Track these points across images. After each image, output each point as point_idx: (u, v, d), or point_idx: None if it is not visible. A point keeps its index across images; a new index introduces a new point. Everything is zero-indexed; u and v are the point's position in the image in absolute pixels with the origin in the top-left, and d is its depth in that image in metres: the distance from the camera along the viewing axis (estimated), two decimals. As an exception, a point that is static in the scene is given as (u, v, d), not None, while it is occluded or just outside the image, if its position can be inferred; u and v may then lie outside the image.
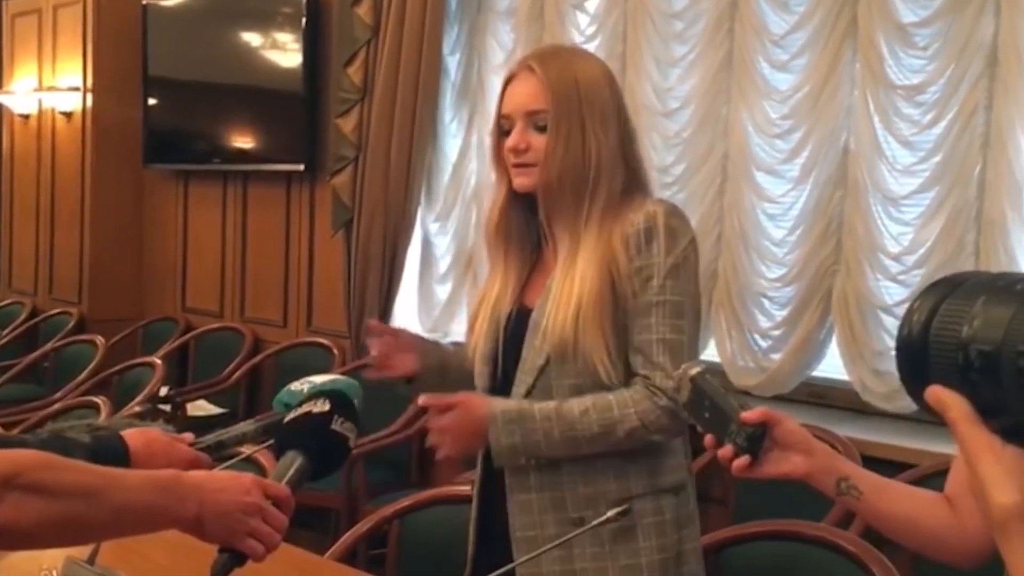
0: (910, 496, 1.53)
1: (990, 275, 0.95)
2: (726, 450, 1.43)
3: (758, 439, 1.42)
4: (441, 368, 2.13)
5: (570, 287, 1.91)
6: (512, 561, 1.89)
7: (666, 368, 1.88)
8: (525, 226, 2.05)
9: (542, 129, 1.93)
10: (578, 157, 1.92)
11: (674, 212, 1.95)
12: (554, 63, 1.96)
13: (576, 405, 1.90)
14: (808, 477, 1.44)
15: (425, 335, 4.89)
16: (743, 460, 1.41)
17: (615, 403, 1.89)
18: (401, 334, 2.13)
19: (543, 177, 1.93)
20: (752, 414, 1.42)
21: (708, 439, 1.47)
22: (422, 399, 1.93)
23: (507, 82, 2.01)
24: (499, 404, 1.92)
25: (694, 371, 1.51)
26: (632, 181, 1.98)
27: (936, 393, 0.95)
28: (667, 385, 1.85)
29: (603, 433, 1.89)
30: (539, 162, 1.93)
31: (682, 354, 1.90)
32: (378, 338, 2.08)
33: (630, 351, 1.92)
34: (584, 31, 4.19)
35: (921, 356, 0.95)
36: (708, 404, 1.47)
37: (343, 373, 4.64)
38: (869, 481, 1.48)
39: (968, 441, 0.93)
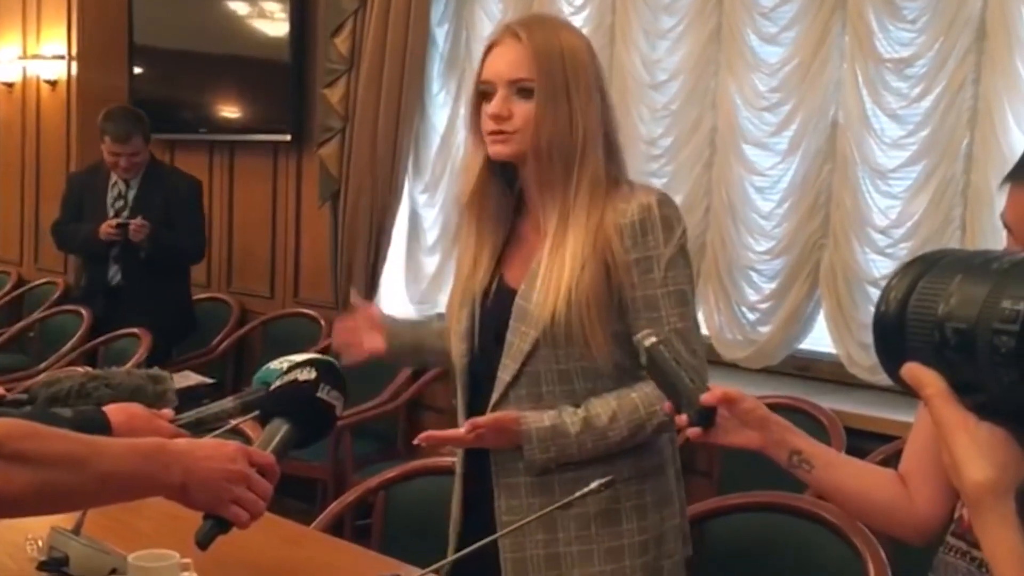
0: (862, 472, 1.62)
1: (967, 253, 0.96)
2: (682, 418, 1.55)
3: (706, 416, 1.53)
4: (416, 347, 2.17)
5: (559, 271, 1.89)
6: (495, 541, 1.88)
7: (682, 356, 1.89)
8: (500, 197, 2.01)
9: (525, 97, 1.89)
10: (565, 126, 1.89)
11: (667, 201, 1.94)
12: (539, 31, 1.93)
13: (603, 411, 1.89)
14: (762, 449, 1.56)
15: (413, 307, 4.93)
16: (696, 430, 1.54)
17: (640, 403, 1.89)
18: (364, 314, 2.14)
19: (532, 145, 1.89)
20: (710, 397, 1.53)
21: (667, 405, 1.59)
22: (466, 426, 1.91)
23: (489, 48, 1.96)
24: (532, 421, 1.89)
25: (648, 342, 1.60)
26: (612, 161, 1.96)
27: (912, 370, 0.95)
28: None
29: (632, 435, 1.90)
30: (520, 130, 1.89)
31: (692, 340, 1.92)
32: (345, 321, 2.09)
33: (636, 344, 1.90)
34: (573, 1, 4.17)
35: (898, 334, 0.95)
36: (662, 374, 1.58)
37: (329, 344, 4.65)
38: (822, 456, 1.57)
39: (943, 418, 0.94)
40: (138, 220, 4.72)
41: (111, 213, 4.90)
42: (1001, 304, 0.86)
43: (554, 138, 1.89)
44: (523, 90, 1.90)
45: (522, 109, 1.90)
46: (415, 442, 1.92)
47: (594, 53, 1.98)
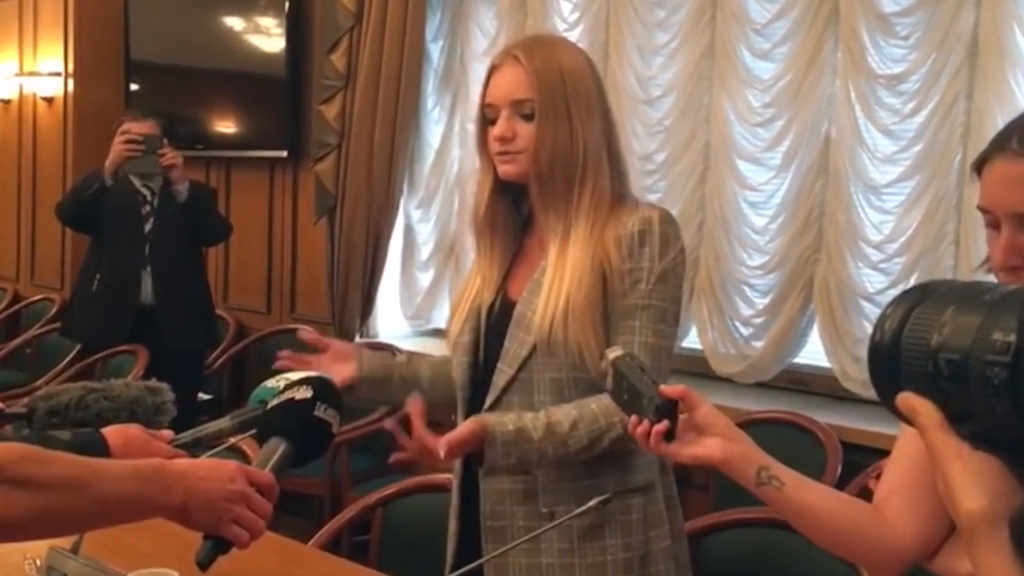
0: (831, 494, 1.50)
1: (961, 284, 0.97)
2: (644, 427, 1.44)
3: (666, 411, 1.42)
4: (384, 379, 2.11)
5: (559, 281, 1.91)
6: (479, 545, 1.91)
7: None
8: (510, 216, 2.05)
9: (528, 118, 1.93)
10: (566, 145, 1.92)
11: (669, 219, 1.96)
12: (539, 52, 1.96)
13: (564, 419, 1.88)
14: (725, 463, 1.43)
15: (408, 322, 4.94)
16: (660, 427, 1.42)
17: (600, 413, 1.88)
18: (335, 345, 2.11)
19: (535, 166, 1.93)
20: (670, 389, 1.43)
21: (632, 421, 1.47)
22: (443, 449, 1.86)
23: (491, 71, 2.00)
24: (497, 425, 1.86)
25: (614, 355, 1.55)
26: (616, 176, 1.98)
27: (907, 400, 0.96)
28: None
29: (591, 444, 1.89)
30: (525, 150, 1.93)
31: (662, 358, 1.91)
32: (311, 352, 2.07)
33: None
34: (567, 19, 4.19)
35: (892, 363, 0.96)
36: (626, 386, 1.49)
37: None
38: (791, 475, 1.44)
39: (937, 447, 0.95)
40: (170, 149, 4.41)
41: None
42: (993, 336, 0.87)
43: (555, 157, 1.92)
44: (524, 111, 1.94)
45: (525, 130, 1.94)
46: (391, 461, 1.88)
47: (595, 70, 2.01)
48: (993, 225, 1.32)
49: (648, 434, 1.43)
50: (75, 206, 4.60)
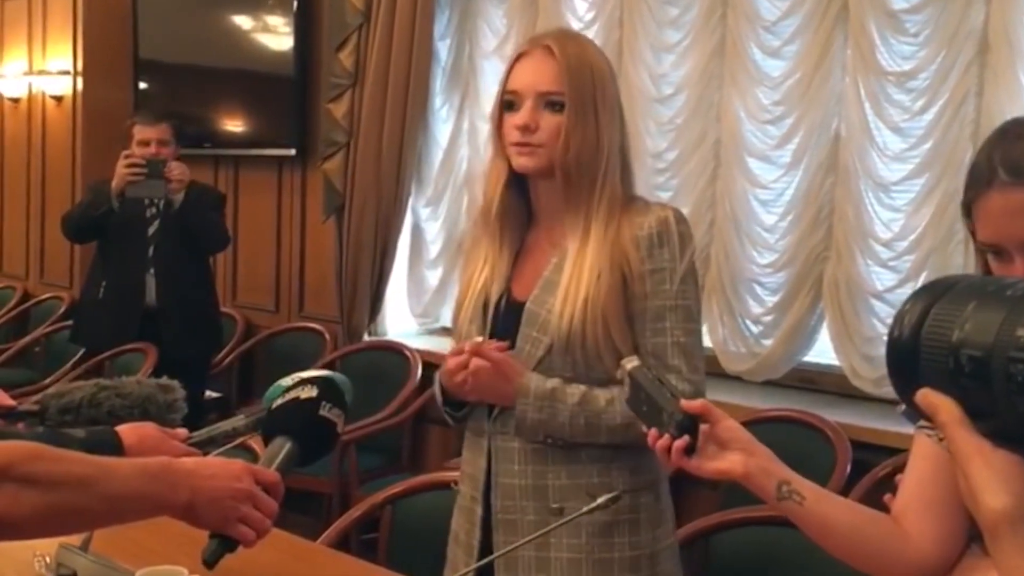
0: (851, 507, 1.50)
1: (981, 279, 0.96)
2: (664, 441, 1.44)
3: (686, 427, 1.42)
4: None
5: (577, 280, 1.90)
6: (490, 538, 1.95)
7: (681, 371, 1.90)
8: (517, 209, 2.02)
9: (554, 111, 1.91)
10: (593, 142, 1.91)
11: (683, 218, 1.97)
12: (571, 46, 1.94)
13: (602, 394, 1.90)
14: (746, 477, 1.43)
15: (415, 321, 4.94)
16: (681, 442, 1.42)
17: None
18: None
19: (561, 159, 1.90)
20: (691, 404, 1.44)
21: (651, 435, 1.47)
22: (469, 344, 1.91)
23: (518, 58, 1.97)
24: (534, 378, 1.90)
25: (631, 365, 1.55)
26: (627, 177, 1.98)
27: (927, 396, 0.95)
28: (684, 388, 1.86)
29: (624, 425, 1.88)
30: (545, 144, 1.91)
31: (694, 356, 1.93)
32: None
33: (641, 353, 1.88)
34: (582, 17, 4.18)
35: (912, 359, 0.95)
36: (644, 397, 1.50)
37: (334, 358, 4.66)
38: (811, 488, 1.45)
39: (958, 444, 0.94)
40: (179, 164, 4.37)
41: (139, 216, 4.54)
42: (1016, 332, 0.85)
43: (582, 153, 1.90)
44: (552, 103, 1.91)
45: (550, 122, 1.91)
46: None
47: (614, 72, 2.01)
48: (1000, 256, 1.29)
49: (668, 448, 1.44)
50: (81, 222, 4.57)
